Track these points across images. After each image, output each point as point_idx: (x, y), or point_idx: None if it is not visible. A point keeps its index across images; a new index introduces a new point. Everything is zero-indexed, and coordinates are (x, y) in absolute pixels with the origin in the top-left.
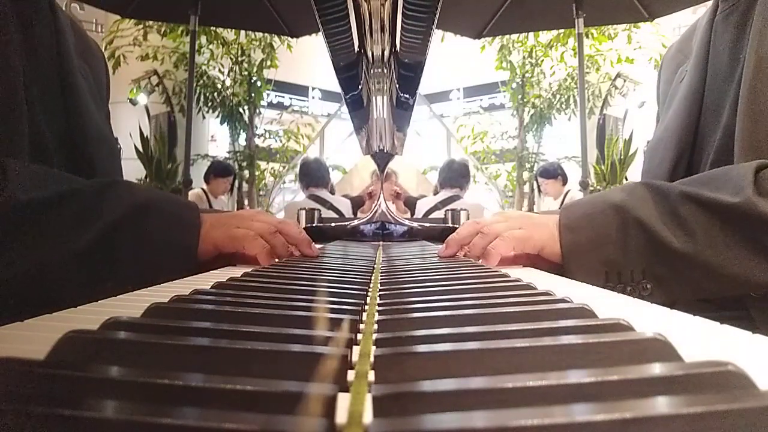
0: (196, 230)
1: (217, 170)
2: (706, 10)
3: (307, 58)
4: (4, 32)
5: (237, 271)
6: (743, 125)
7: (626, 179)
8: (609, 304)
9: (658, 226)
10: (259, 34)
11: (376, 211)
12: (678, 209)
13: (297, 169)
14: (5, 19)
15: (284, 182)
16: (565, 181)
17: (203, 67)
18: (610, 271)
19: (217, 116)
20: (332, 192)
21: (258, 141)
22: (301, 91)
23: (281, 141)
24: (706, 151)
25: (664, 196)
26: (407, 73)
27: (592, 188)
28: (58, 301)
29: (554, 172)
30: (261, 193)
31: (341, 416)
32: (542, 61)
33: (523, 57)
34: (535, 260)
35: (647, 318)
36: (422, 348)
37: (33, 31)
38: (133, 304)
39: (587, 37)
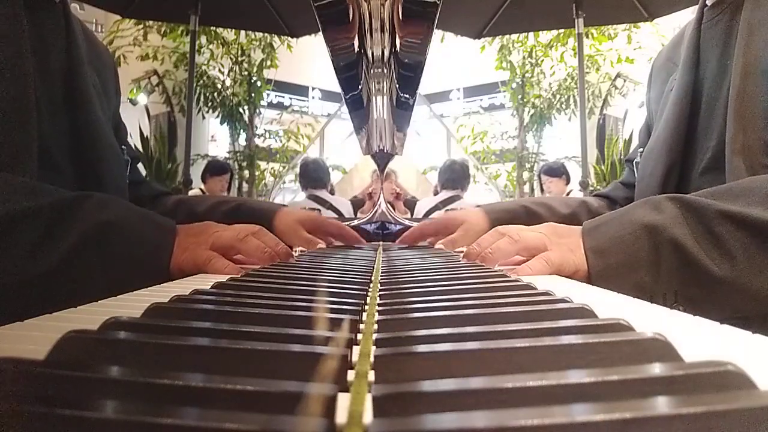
0: (167, 253)
1: (213, 169)
2: (692, 18)
3: (307, 58)
4: (18, 42)
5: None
6: (733, 131)
7: None
8: (609, 304)
9: (694, 248)
10: (259, 34)
11: (376, 212)
12: (714, 229)
13: (297, 169)
14: (20, 29)
15: (284, 182)
16: (568, 181)
17: (203, 67)
18: (641, 295)
19: (217, 116)
20: (332, 192)
21: (258, 141)
22: (301, 91)
23: (281, 141)
24: (699, 158)
25: (698, 214)
26: (407, 73)
27: (592, 188)
28: (14, 320)
29: (558, 171)
30: (261, 193)
31: (341, 416)
32: (542, 61)
33: (523, 57)
34: None
35: (647, 318)
36: (422, 348)
37: (45, 40)
38: (133, 304)
39: (587, 37)
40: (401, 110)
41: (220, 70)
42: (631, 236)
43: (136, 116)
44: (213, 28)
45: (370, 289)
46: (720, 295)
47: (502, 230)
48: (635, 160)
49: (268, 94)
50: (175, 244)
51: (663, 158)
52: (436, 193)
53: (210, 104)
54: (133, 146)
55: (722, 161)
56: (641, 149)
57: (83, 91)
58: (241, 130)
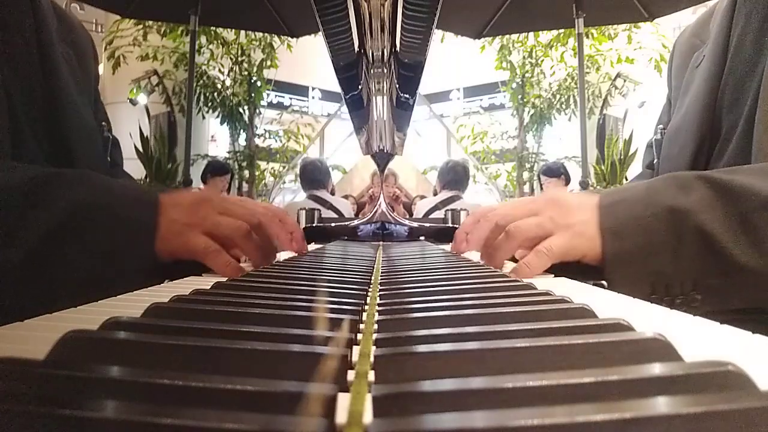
0: (151, 234)
1: (214, 169)
2: None
3: (307, 58)
4: None
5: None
6: (765, 115)
7: (626, 179)
8: (609, 304)
9: (722, 235)
10: (259, 34)
11: (375, 212)
12: (751, 217)
13: (297, 169)
14: None
15: (284, 182)
16: (567, 181)
17: (203, 67)
18: (658, 282)
19: (217, 116)
20: (332, 193)
21: (258, 141)
22: (301, 91)
23: (281, 141)
24: (726, 138)
25: (734, 198)
26: (407, 73)
27: (592, 188)
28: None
29: (557, 171)
30: (261, 192)
31: (341, 416)
32: (542, 61)
33: (523, 57)
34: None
35: (647, 318)
36: (422, 348)
37: (9, 15)
38: (133, 304)
39: (587, 37)
40: (401, 110)
41: (220, 70)
42: (652, 218)
43: (136, 116)
44: (213, 28)
45: (370, 289)
46: (743, 286)
47: (494, 221)
48: (655, 137)
49: (268, 94)
50: (162, 224)
51: (692, 138)
52: (435, 194)
53: (210, 104)
54: (134, 145)
55: (748, 140)
56: (661, 126)
57: (55, 69)
58: (241, 130)
